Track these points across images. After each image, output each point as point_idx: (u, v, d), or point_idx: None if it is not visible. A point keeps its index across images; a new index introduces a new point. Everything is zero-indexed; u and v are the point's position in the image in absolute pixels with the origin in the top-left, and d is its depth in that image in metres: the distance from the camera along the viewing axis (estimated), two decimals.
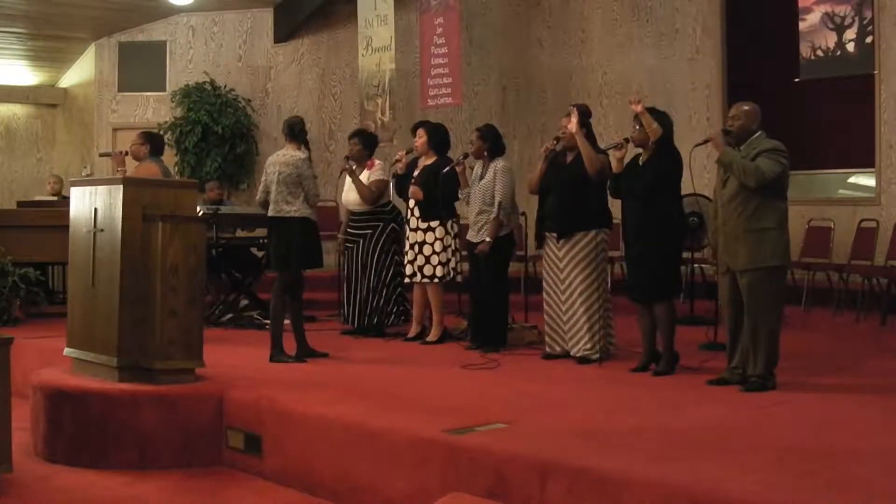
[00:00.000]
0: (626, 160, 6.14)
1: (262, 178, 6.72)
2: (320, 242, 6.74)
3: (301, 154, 6.57)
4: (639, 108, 5.87)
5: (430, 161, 7.45)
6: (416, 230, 7.36)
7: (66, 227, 5.97)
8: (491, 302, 6.89)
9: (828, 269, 8.63)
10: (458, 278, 7.41)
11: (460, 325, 7.60)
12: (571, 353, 6.39)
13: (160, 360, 5.42)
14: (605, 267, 6.46)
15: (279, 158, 6.60)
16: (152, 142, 7.66)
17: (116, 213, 5.49)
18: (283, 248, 6.53)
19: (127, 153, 7.57)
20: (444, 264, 7.25)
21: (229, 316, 8.54)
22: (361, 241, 7.69)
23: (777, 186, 5.35)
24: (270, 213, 6.61)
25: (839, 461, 3.82)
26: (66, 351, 5.87)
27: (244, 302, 8.97)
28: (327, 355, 6.64)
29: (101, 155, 7.75)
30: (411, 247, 7.37)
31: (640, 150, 6.09)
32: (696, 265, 8.35)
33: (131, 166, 7.62)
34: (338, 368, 6.30)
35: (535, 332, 7.19)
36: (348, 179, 7.62)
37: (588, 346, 6.32)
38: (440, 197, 7.18)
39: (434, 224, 7.28)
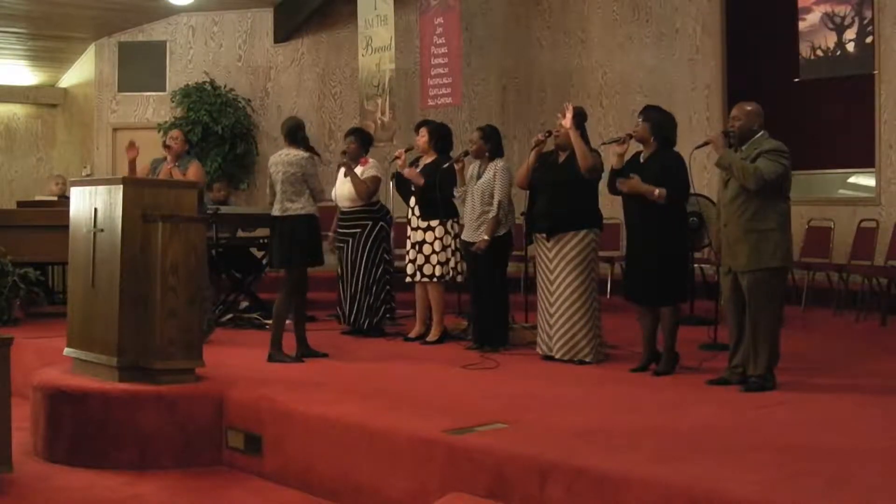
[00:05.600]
0: (625, 157, 6.13)
1: (268, 179, 6.76)
2: (321, 240, 6.76)
3: (304, 153, 6.60)
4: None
5: (430, 160, 7.45)
6: (416, 229, 7.37)
7: (66, 227, 5.97)
8: (491, 301, 6.89)
9: (828, 269, 8.63)
10: (459, 278, 7.41)
11: (460, 325, 7.60)
12: (557, 355, 6.34)
13: (160, 360, 5.42)
14: (595, 267, 6.41)
15: (283, 158, 6.63)
16: (189, 141, 7.90)
17: (116, 213, 5.49)
18: (287, 246, 6.55)
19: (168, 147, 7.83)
20: (443, 263, 7.26)
21: (229, 316, 8.54)
22: (351, 241, 7.70)
23: (778, 187, 5.34)
24: (275, 213, 6.64)
25: (839, 461, 3.82)
26: (66, 351, 5.86)
27: (244, 303, 8.96)
28: (327, 355, 6.64)
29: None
30: (412, 246, 7.37)
31: (639, 149, 6.09)
32: (696, 265, 8.35)
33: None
34: (338, 368, 6.30)
35: (535, 333, 7.17)
36: (340, 175, 7.64)
37: (578, 347, 6.29)
38: (440, 196, 7.18)
39: (434, 223, 7.29)
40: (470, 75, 11.82)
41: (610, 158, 6.14)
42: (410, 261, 7.39)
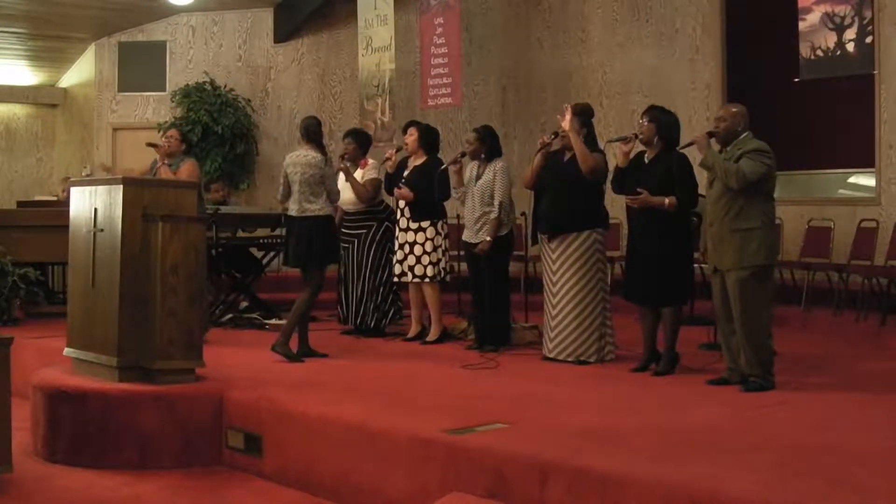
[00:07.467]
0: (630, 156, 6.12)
1: (282, 178, 6.79)
2: (338, 240, 6.82)
3: (321, 154, 6.67)
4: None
5: (419, 161, 7.44)
6: (406, 230, 7.36)
7: (66, 227, 5.97)
8: (493, 301, 6.88)
9: (828, 269, 8.63)
10: (448, 278, 7.42)
11: (460, 325, 7.60)
12: (559, 356, 6.30)
13: (160, 360, 5.42)
14: (601, 268, 6.39)
15: (300, 159, 6.68)
16: (188, 141, 8.10)
17: (116, 213, 5.49)
18: (305, 246, 6.59)
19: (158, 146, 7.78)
20: (434, 264, 7.26)
21: (229, 316, 8.54)
22: (356, 242, 7.70)
23: (762, 187, 5.37)
24: (292, 213, 6.69)
25: (839, 461, 3.82)
26: (66, 351, 5.86)
27: (244, 303, 8.96)
28: (327, 356, 6.64)
29: (149, 144, 7.86)
30: (401, 247, 7.37)
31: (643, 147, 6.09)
32: (696, 265, 8.34)
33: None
34: (338, 368, 6.30)
35: (536, 332, 7.18)
36: (340, 178, 7.64)
37: (581, 349, 6.27)
38: (436, 197, 7.17)
39: (425, 224, 7.29)
40: (470, 75, 11.82)
41: (614, 157, 6.13)
42: (398, 261, 7.39)
